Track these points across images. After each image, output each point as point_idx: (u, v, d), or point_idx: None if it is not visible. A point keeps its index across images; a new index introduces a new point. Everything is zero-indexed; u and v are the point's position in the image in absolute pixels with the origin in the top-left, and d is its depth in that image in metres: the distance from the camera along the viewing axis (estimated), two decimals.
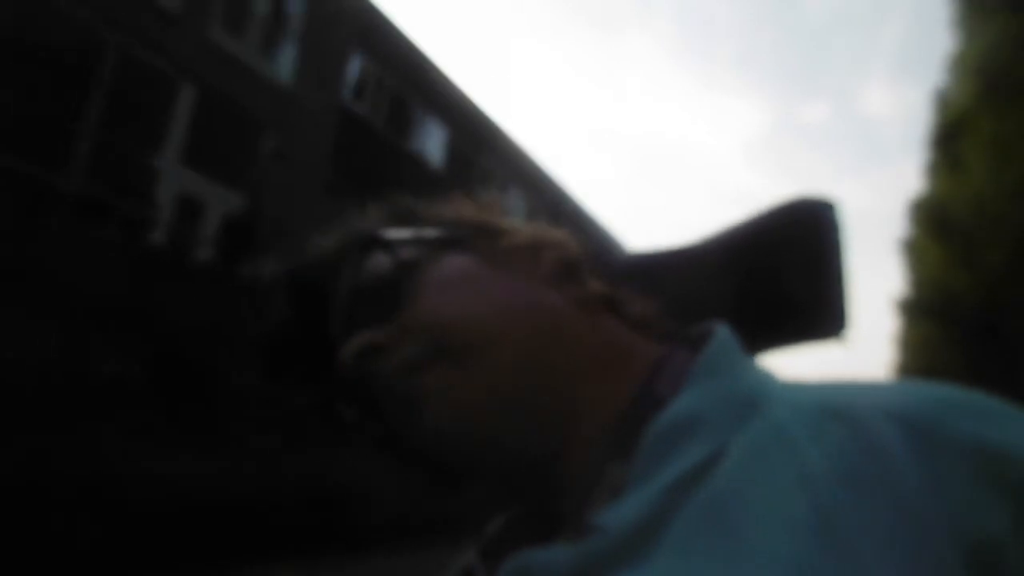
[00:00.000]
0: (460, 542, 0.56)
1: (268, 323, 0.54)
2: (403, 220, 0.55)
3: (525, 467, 0.46)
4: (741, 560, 0.35)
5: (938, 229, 14.42)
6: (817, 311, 0.59)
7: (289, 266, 0.55)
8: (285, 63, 8.60)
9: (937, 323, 15.32)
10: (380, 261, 0.51)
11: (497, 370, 0.45)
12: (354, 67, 9.88)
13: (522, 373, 0.46)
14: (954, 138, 13.47)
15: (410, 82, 10.83)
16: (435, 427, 0.45)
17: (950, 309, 14.27)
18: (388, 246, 0.51)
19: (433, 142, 12.01)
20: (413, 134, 11.50)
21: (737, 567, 0.35)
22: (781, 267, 0.59)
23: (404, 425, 0.47)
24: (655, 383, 0.46)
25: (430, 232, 0.53)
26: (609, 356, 0.48)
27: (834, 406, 0.39)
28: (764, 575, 0.34)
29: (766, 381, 0.45)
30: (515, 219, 0.56)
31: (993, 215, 12.44)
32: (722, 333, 0.48)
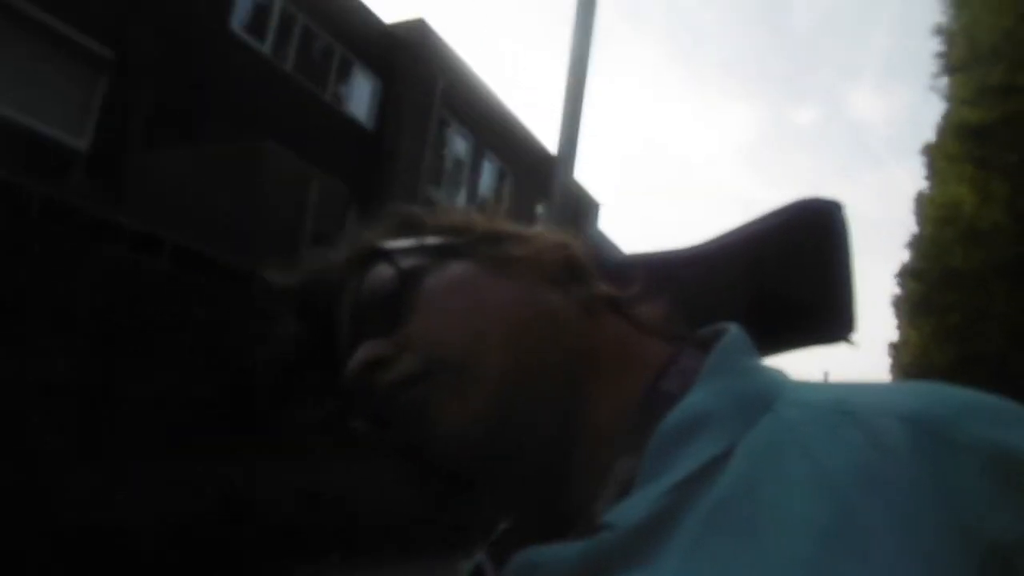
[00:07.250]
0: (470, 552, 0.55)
1: (277, 341, 0.54)
2: (409, 229, 0.55)
3: (534, 470, 0.46)
4: (757, 561, 0.34)
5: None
6: (825, 313, 0.59)
7: (295, 281, 0.55)
8: None
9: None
10: (382, 273, 0.51)
11: (497, 380, 0.45)
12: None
13: (522, 381, 0.45)
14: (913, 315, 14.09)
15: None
16: (441, 438, 0.45)
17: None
18: (389, 257, 0.51)
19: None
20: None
21: (754, 568, 0.34)
22: (788, 268, 0.59)
23: (413, 437, 0.47)
24: (663, 382, 0.45)
25: (432, 241, 0.53)
26: (614, 357, 0.48)
27: (847, 407, 0.39)
28: None
29: (778, 380, 0.45)
30: (521, 223, 0.56)
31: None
32: (733, 332, 0.47)
